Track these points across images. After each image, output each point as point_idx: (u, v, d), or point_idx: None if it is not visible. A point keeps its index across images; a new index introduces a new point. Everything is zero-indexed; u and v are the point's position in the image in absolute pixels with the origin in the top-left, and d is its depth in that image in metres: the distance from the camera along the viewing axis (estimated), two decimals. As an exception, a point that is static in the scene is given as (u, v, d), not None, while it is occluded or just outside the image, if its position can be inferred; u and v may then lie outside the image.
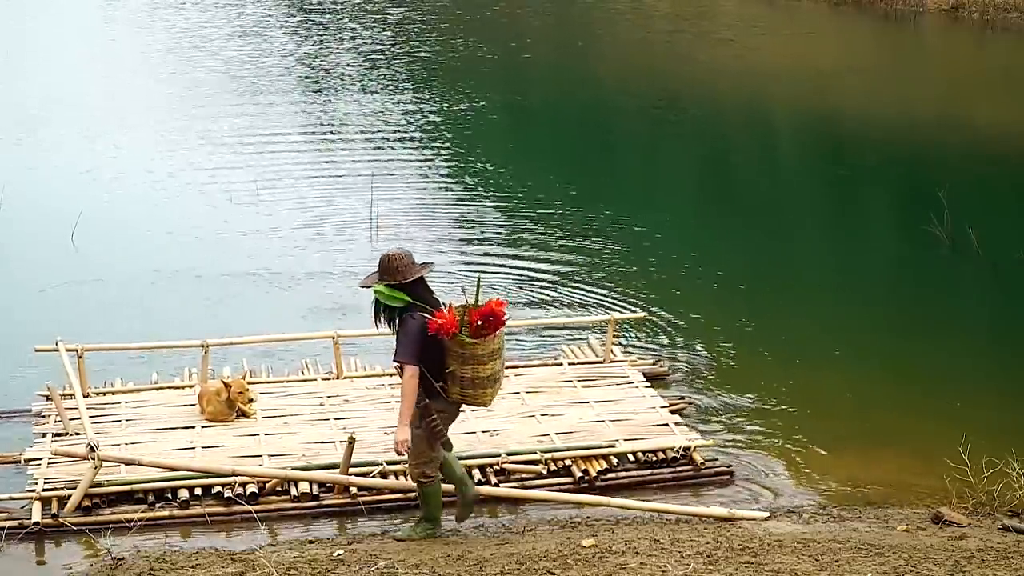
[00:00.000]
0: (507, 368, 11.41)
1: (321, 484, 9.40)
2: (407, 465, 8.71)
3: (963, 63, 30.67)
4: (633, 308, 13.18)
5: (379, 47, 30.03)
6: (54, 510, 8.99)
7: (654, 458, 9.90)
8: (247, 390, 10.37)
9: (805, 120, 24.20)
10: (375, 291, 8.29)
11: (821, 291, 14.78)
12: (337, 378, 11.20)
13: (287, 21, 34.57)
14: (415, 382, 8.13)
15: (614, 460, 9.86)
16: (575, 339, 12.35)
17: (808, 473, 10.06)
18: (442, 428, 8.32)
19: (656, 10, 37.24)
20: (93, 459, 8.99)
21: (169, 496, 9.24)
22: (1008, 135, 21.93)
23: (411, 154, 20.44)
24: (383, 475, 9.47)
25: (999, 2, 33.97)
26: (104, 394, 10.86)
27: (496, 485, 9.48)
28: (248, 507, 9.10)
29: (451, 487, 8.76)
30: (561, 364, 11.55)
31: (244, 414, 10.35)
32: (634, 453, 9.92)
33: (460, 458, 9.61)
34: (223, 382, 10.36)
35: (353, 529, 9.04)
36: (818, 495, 9.71)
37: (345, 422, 10.27)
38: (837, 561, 8.04)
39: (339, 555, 8.27)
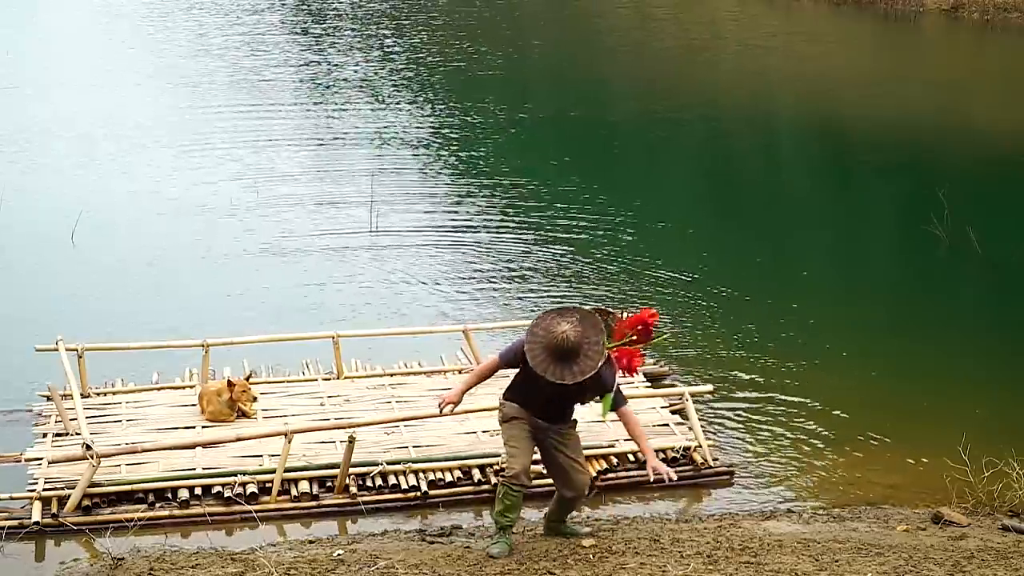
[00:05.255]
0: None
1: (321, 483, 9.41)
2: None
3: (963, 63, 30.68)
4: (633, 308, 13.17)
5: (389, 52, 30.05)
6: (54, 510, 8.98)
7: (654, 458, 9.90)
8: (249, 390, 10.38)
9: (805, 120, 24.22)
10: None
11: (821, 291, 14.79)
12: (338, 378, 11.20)
13: (291, 26, 34.59)
14: (487, 361, 8.48)
15: (614, 460, 9.86)
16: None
17: (808, 473, 10.06)
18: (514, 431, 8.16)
19: (655, 12, 37.25)
20: (90, 458, 8.99)
21: (169, 496, 9.23)
22: (1008, 135, 21.94)
23: (414, 157, 20.44)
24: (383, 475, 9.48)
25: (999, 2, 34.00)
26: (105, 394, 10.86)
27: (496, 485, 9.48)
28: (248, 507, 9.10)
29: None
30: (562, 364, 11.52)
31: (245, 414, 10.35)
32: (634, 453, 9.91)
33: (460, 458, 9.66)
34: (228, 380, 10.36)
35: (353, 529, 9.04)
36: (818, 495, 9.72)
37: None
38: (837, 561, 8.05)
39: (339, 555, 8.27)
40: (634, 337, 8.17)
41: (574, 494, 8.34)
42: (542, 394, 8.04)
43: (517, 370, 8.21)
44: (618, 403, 8.13)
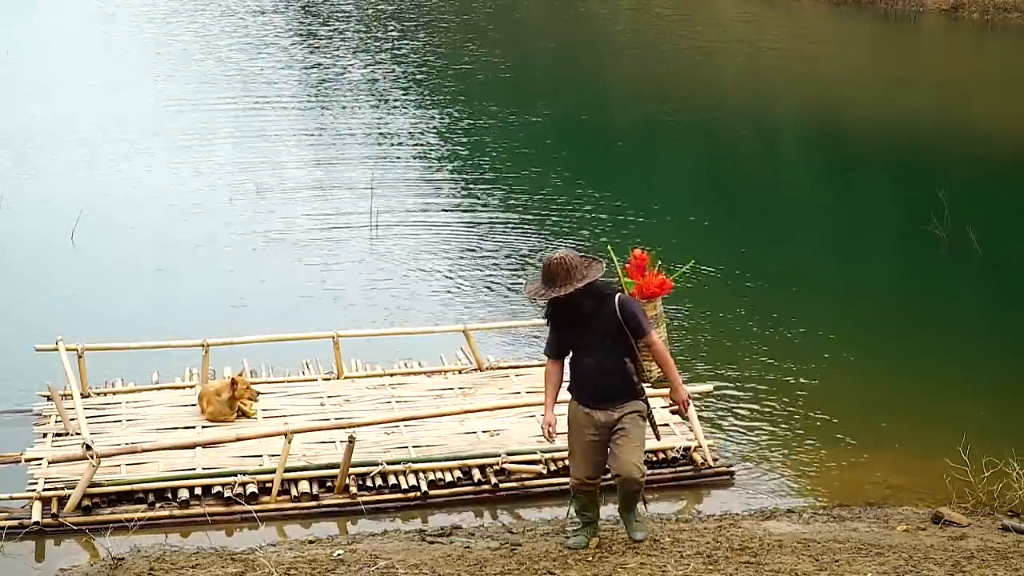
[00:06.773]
0: (507, 368, 11.50)
1: (321, 483, 9.40)
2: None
3: (963, 63, 30.66)
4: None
5: (395, 54, 30.03)
6: (54, 510, 8.99)
7: (654, 458, 9.89)
8: (250, 388, 10.39)
9: (805, 121, 24.21)
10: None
11: (821, 291, 14.79)
12: (338, 378, 11.20)
13: (294, 28, 34.57)
14: (548, 371, 8.30)
15: (614, 460, 9.86)
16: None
17: (808, 473, 10.06)
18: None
19: (657, 11, 37.24)
20: (90, 458, 8.99)
21: (169, 496, 9.24)
22: (1008, 135, 21.93)
23: (417, 158, 20.42)
24: (383, 475, 9.47)
25: (999, 2, 33.95)
26: (105, 394, 10.86)
27: (496, 485, 9.49)
28: (248, 507, 9.10)
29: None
30: (562, 364, 11.53)
31: (245, 414, 10.35)
32: (634, 453, 9.91)
33: (460, 458, 9.66)
34: (232, 379, 10.36)
35: (353, 529, 9.04)
36: (818, 495, 9.72)
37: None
38: (837, 561, 8.05)
39: (339, 555, 8.28)
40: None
41: (618, 475, 8.15)
42: (588, 362, 8.05)
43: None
44: (643, 332, 8.05)
